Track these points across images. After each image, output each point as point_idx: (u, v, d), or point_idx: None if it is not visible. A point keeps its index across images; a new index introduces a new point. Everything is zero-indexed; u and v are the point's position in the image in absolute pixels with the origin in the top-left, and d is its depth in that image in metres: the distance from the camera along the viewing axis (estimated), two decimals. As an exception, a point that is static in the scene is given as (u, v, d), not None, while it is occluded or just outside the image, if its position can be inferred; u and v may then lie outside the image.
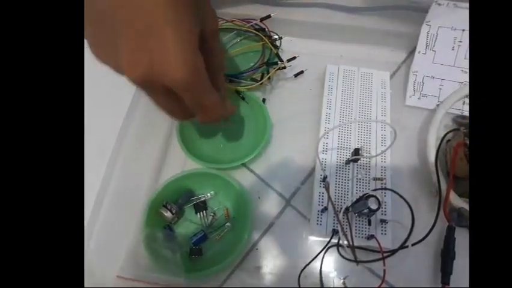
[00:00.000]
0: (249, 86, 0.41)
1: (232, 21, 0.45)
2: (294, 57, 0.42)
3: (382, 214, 0.35)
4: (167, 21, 0.22)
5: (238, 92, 0.41)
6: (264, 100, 0.42)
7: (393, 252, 0.31)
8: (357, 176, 0.37)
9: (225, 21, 0.45)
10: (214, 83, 0.28)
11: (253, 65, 0.42)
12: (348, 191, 0.36)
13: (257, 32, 0.43)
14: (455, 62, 0.41)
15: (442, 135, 0.37)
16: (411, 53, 0.44)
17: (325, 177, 0.36)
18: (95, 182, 0.31)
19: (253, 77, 0.42)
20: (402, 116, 0.41)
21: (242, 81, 0.42)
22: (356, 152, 0.36)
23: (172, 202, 0.36)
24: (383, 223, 0.34)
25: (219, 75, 0.32)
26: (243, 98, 0.41)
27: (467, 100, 0.40)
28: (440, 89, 0.42)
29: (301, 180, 0.39)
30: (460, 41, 0.41)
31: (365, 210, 0.31)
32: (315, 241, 0.35)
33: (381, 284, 0.32)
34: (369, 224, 0.34)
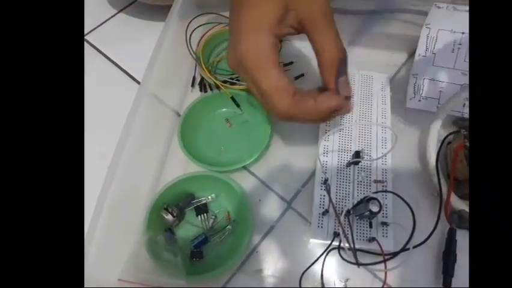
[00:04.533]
0: (245, 86, 0.41)
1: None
2: (291, 62, 0.43)
3: (383, 217, 0.35)
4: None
5: (233, 99, 0.41)
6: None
7: (394, 254, 0.31)
8: (358, 178, 0.37)
9: (226, 24, 0.46)
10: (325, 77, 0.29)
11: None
12: (349, 194, 0.36)
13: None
14: (455, 64, 0.42)
15: (443, 138, 0.37)
16: (411, 55, 0.44)
17: (326, 180, 0.36)
18: (96, 185, 0.31)
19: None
20: (403, 119, 0.41)
21: (241, 82, 0.42)
22: (357, 154, 0.36)
23: (173, 205, 0.36)
24: (384, 226, 0.34)
25: (328, 70, 0.29)
26: (238, 106, 0.41)
27: (467, 102, 0.40)
28: (440, 91, 0.42)
29: (302, 182, 0.39)
30: (460, 44, 0.41)
31: (366, 213, 0.31)
32: (316, 244, 0.35)
33: (382, 287, 0.31)
34: (371, 226, 0.34)
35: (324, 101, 0.28)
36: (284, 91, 0.27)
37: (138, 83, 0.47)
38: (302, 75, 0.44)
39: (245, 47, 0.27)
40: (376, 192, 0.36)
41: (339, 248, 0.33)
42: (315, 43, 0.29)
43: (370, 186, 0.36)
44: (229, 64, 0.29)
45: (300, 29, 0.29)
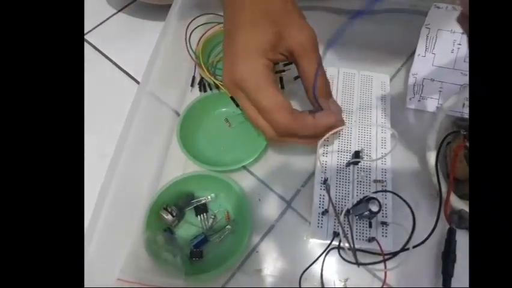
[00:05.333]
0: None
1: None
2: (291, 63, 0.43)
3: (383, 216, 0.35)
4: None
5: (233, 99, 0.41)
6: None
7: (394, 254, 0.31)
8: (357, 178, 0.37)
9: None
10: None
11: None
12: (348, 194, 0.36)
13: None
14: (454, 64, 0.42)
15: (442, 138, 0.37)
16: (411, 55, 0.44)
17: (325, 180, 0.36)
18: (95, 185, 0.31)
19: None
20: (403, 119, 0.41)
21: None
22: (357, 154, 0.36)
23: (173, 205, 0.36)
24: (384, 225, 0.34)
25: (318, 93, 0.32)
26: (238, 105, 0.41)
27: (467, 102, 0.40)
28: (440, 91, 0.42)
29: (302, 182, 0.39)
30: (459, 44, 0.41)
31: (366, 213, 0.31)
32: (315, 243, 0.35)
33: (382, 286, 0.31)
34: (370, 226, 0.34)
35: (322, 117, 0.31)
36: (284, 108, 0.29)
37: (137, 82, 0.47)
38: (301, 75, 0.44)
39: (242, 69, 0.28)
40: (376, 192, 0.36)
41: (338, 247, 0.33)
42: (303, 70, 0.32)
43: (370, 186, 0.36)
44: (224, 84, 0.31)
45: (289, 57, 0.32)
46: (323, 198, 0.36)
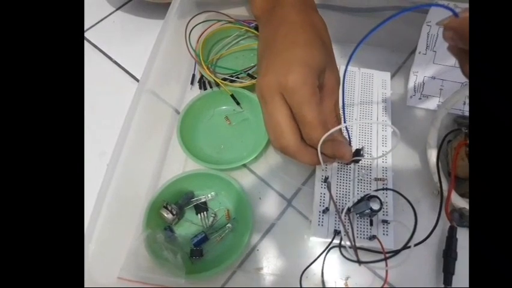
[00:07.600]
0: (245, 84, 0.41)
1: (233, 21, 0.45)
2: None
3: (384, 215, 0.35)
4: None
5: (233, 97, 0.41)
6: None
7: (395, 252, 0.31)
8: (358, 176, 0.37)
9: (226, 22, 0.46)
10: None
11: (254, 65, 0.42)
12: (349, 192, 0.36)
13: (257, 33, 0.43)
14: (455, 62, 0.41)
15: (443, 136, 0.37)
16: (412, 53, 0.44)
17: (326, 178, 0.36)
18: (95, 183, 0.31)
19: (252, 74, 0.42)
20: (404, 117, 0.41)
21: (241, 80, 0.42)
22: (357, 152, 0.36)
23: (173, 203, 0.36)
24: (385, 223, 0.34)
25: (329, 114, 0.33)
26: (238, 103, 0.41)
27: (468, 100, 0.40)
28: (441, 89, 0.42)
29: (303, 180, 0.38)
30: (461, 42, 0.41)
31: (367, 211, 0.31)
32: (316, 242, 0.35)
33: (383, 285, 0.31)
34: (371, 224, 0.34)
35: (347, 144, 0.33)
36: (326, 126, 0.30)
37: (137, 80, 0.47)
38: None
39: (296, 79, 0.28)
40: (377, 190, 0.36)
41: (340, 246, 0.33)
42: (324, 106, 0.32)
43: (370, 184, 0.36)
44: (263, 84, 0.30)
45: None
46: (324, 197, 0.36)
